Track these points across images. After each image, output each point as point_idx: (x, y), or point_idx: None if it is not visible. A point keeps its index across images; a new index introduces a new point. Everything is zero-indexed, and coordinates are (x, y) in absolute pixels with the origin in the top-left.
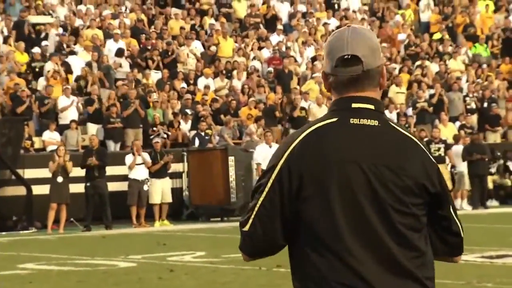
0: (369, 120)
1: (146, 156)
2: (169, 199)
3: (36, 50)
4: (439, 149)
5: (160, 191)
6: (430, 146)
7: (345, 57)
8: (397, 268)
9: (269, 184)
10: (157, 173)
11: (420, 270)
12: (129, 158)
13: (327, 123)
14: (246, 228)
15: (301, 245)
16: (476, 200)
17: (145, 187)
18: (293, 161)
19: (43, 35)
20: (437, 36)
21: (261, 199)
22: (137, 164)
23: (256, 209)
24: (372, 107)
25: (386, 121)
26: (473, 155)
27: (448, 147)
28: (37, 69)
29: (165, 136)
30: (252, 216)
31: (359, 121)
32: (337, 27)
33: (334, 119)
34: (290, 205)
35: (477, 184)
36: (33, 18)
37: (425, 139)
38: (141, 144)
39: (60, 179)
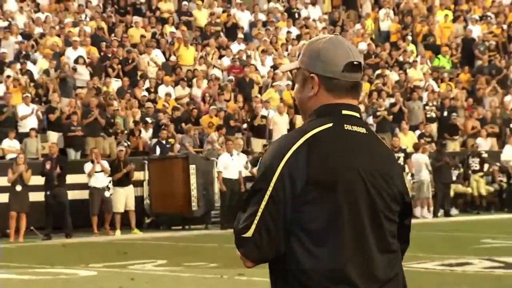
0: (359, 128)
1: (105, 163)
2: (132, 207)
3: None
4: (398, 158)
5: (124, 199)
6: None
7: (355, 63)
8: (379, 274)
9: (270, 188)
10: (120, 182)
11: (395, 275)
12: (88, 166)
13: (325, 129)
14: (249, 234)
15: (292, 246)
16: (440, 208)
17: (106, 194)
18: (295, 165)
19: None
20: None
21: (263, 203)
22: (96, 172)
23: (259, 213)
24: (358, 115)
25: (371, 130)
26: (442, 160)
27: (407, 156)
28: None
29: (125, 144)
30: (256, 222)
31: (352, 128)
32: (298, 36)
33: (330, 125)
34: (291, 208)
35: (442, 192)
36: None
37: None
38: (101, 152)
39: (19, 187)
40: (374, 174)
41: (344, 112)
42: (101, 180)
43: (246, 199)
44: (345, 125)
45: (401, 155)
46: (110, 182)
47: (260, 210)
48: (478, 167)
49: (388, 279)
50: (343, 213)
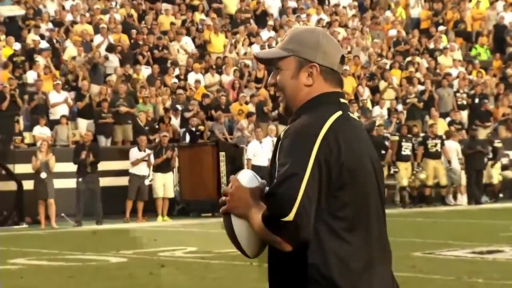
0: (354, 115)
1: (151, 155)
2: (171, 194)
3: (18, 45)
4: (436, 144)
5: (163, 185)
6: (427, 142)
7: (345, 56)
8: (390, 259)
9: (308, 173)
10: (161, 168)
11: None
12: (134, 153)
13: (339, 116)
14: (291, 217)
15: (320, 236)
16: (473, 196)
17: (146, 182)
18: (327, 150)
19: (32, 30)
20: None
21: (302, 187)
22: (144, 160)
23: (299, 197)
24: (348, 104)
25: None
26: (475, 148)
27: (443, 143)
28: (20, 64)
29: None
30: (296, 205)
31: (351, 115)
32: (328, 23)
33: (340, 112)
34: (325, 194)
35: (473, 179)
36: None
37: (421, 135)
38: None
39: (43, 175)
40: (377, 161)
41: (341, 100)
42: (142, 168)
43: (279, 184)
44: (348, 113)
45: (438, 141)
46: (150, 171)
47: (300, 194)
48: (491, 155)
49: (391, 262)
50: (369, 199)
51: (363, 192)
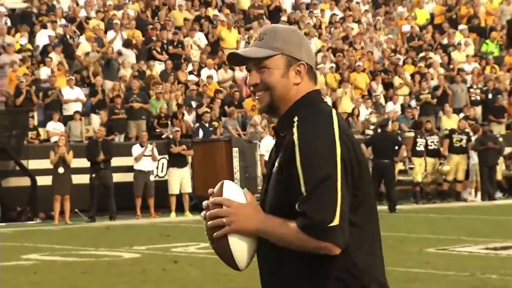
0: None
1: (154, 149)
2: (189, 189)
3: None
4: (461, 140)
5: (179, 181)
6: (453, 136)
7: None
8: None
9: (339, 173)
10: (176, 163)
11: None
12: (136, 149)
13: (336, 112)
14: (336, 221)
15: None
16: (486, 192)
17: (151, 178)
18: (345, 148)
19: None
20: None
21: (339, 189)
22: (144, 156)
23: (339, 200)
24: None
25: None
26: (487, 144)
27: (469, 139)
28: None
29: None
30: (338, 208)
31: None
32: (341, 19)
33: (333, 109)
34: (350, 192)
35: (486, 175)
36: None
37: (449, 128)
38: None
39: (61, 170)
40: None
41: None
42: (147, 163)
43: (314, 189)
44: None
45: (464, 137)
46: (156, 167)
47: (339, 196)
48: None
49: None
50: (372, 192)
51: (368, 185)
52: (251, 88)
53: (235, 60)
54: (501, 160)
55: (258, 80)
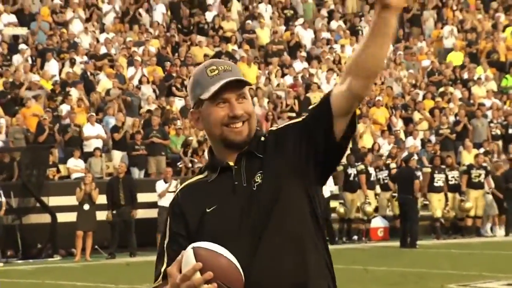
0: None
1: (176, 184)
2: None
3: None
4: (479, 175)
5: None
6: (471, 172)
7: None
8: None
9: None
10: None
11: None
12: (160, 185)
13: None
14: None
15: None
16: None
17: None
18: None
19: (67, 63)
20: (456, 60)
21: None
22: (168, 192)
23: None
24: None
25: None
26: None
27: (488, 173)
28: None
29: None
30: None
31: None
32: None
33: None
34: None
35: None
36: (10, 30)
37: (467, 164)
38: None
39: (86, 206)
40: None
41: None
42: (170, 199)
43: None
44: None
45: (482, 172)
46: None
47: None
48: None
49: None
50: None
51: None
52: (235, 119)
53: (224, 89)
54: None
55: (244, 110)
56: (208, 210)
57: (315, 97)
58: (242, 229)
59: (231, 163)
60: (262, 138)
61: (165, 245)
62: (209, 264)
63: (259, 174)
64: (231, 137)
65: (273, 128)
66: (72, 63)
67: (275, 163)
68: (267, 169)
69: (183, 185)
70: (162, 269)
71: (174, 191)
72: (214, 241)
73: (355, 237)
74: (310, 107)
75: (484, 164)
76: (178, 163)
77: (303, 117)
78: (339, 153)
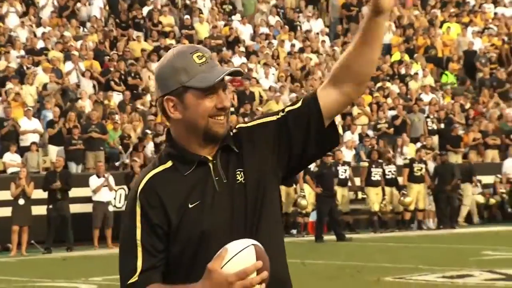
0: None
1: (111, 179)
2: None
3: None
4: (421, 168)
5: None
6: (413, 165)
7: None
8: None
9: None
10: None
11: None
12: (94, 180)
13: None
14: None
15: None
16: (445, 220)
17: (110, 208)
18: None
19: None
20: (396, 57)
21: None
22: (104, 187)
23: None
24: None
25: None
26: (444, 175)
27: (427, 168)
28: None
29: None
30: None
31: None
32: (300, 49)
33: None
34: None
35: (445, 203)
36: None
37: (408, 157)
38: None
39: (21, 201)
40: None
41: None
42: (105, 194)
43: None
44: None
45: (423, 165)
46: (114, 197)
47: None
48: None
49: None
50: None
51: None
52: (222, 111)
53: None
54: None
55: (229, 102)
56: (190, 206)
57: (254, 92)
58: (234, 226)
59: (210, 157)
60: (231, 133)
61: (138, 238)
62: (265, 264)
63: (239, 172)
64: (215, 129)
65: (243, 124)
66: (8, 57)
67: (255, 161)
68: (247, 166)
69: (149, 174)
70: (139, 264)
71: (107, 185)
72: (204, 238)
73: (294, 231)
74: (289, 106)
75: (424, 158)
76: (117, 162)
77: (277, 115)
78: (317, 155)
